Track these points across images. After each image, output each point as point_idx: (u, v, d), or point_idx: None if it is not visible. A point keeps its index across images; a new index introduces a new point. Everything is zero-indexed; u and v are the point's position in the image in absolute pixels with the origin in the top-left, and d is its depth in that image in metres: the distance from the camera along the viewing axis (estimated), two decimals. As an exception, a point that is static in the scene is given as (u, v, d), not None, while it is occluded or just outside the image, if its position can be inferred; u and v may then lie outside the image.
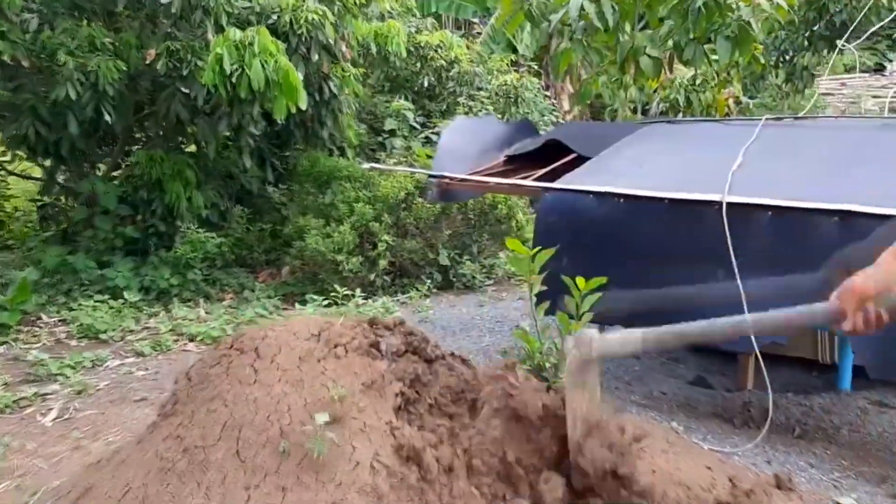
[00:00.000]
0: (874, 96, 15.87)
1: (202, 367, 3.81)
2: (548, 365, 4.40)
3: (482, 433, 3.60)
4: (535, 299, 4.40)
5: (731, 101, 13.83)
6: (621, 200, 5.44)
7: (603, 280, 4.18)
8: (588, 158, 6.32)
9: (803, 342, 6.38)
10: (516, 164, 7.06)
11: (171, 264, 9.62)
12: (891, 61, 18.41)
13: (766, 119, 6.52)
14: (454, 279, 10.35)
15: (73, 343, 7.66)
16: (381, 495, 3.18)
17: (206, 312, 8.86)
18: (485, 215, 10.52)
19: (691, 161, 5.88)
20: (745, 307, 4.70)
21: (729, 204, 4.99)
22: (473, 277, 10.36)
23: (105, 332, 7.88)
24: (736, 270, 4.85)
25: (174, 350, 7.60)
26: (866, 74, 17.54)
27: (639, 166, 5.90)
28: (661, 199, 5.26)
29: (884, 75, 17.49)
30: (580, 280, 4.15)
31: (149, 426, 3.87)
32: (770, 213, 4.93)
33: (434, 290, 9.97)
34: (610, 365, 6.31)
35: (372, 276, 9.74)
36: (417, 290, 9.83)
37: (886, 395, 5.81)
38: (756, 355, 5.25)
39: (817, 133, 6.38)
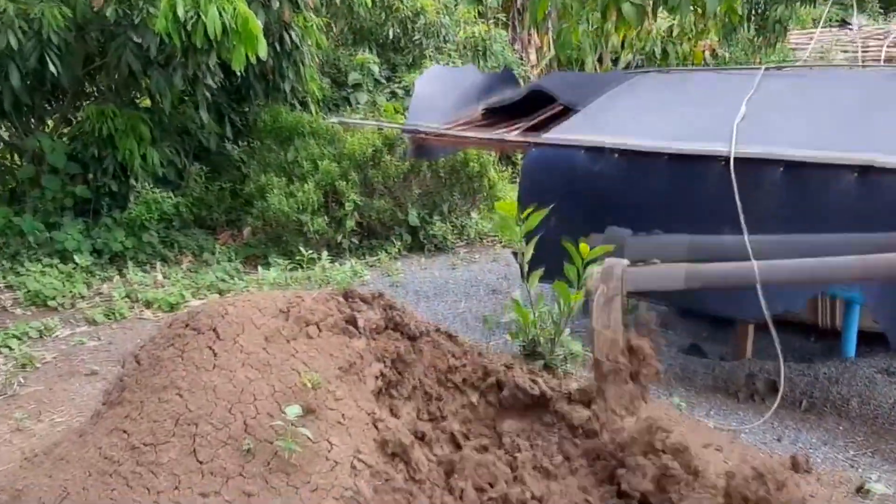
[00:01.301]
0: (843, 50, 15.55)
1: (153, 348, 3.32)
2: (543, 340, 3.96)
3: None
4: (526, 267, 3.95)
5: (707, 52, 13.40)
6: (616, 155, 4.98)
7: (609, 248, 3.71)
8: (575, 111, 5.83)
9: (802, 306, 6.00)
10: (495, 117, 6.55)
11: (125, 226, 9.08)
12: (852, 15, 18.11)
13: (766, 68, 6.06)
14: (424, 240, 9.87)
15: (19, 311, 7.14)
16: (364, 501, 2.72)
17: (164, 277, 8.34)
18: (456, 173, 10.01)
19: (690, 113, 5.41)
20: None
21: (737, 158, 4.56)
22: (444, 238, 9.87)
23: (54, 298, 7.38)
24: (744, 231, 4.41)
25: (129, 318, 7.12)
26: (834, 28, 17.24)
27: (634, 119, 5.43)
28: (661, 154, 4.82)
29: (850, 29, 17.18)
30: (583, 245, 3.69)
31: (92, 415, 3.38)
32: (782, 168, 4.51)
33: (404, 252, 9.50)
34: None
35: (339, 238, 9.24)
36: (386, 251, 9.35)
37: (893, 362, 5.43)
38: (755, 323, 4.81)
39: (823, 82, 5.93)
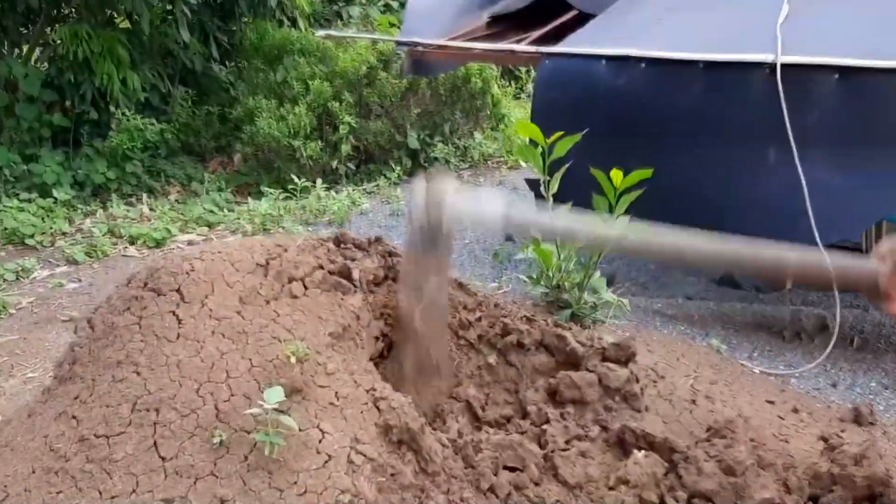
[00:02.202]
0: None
1: (108, 311, 2.77)
2: (568, 285, 3.41)
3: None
4: (551, 199, 3.37)
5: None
6: (643, 65, 4.35)
7: (647, 173, 3.13)
8: (592, 17, 5.16)
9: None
10: (502, 26, 5.88)
11: (108, 156, 8.65)
12: None
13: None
14: (425, 164, 9.28)
15: (-5, 251, 6.64)
16: (366, 504, 2.20)
17: (150, 210, 7.90)
18: (457, 91, 9.37)
19: (725, 13, 4.72)
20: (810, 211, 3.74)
21: (784, 65, 3.94)
22: (447, 161, 9.28)
23: (32, 236, 6.91)
24: (794, 150, 3.84)
25: (112, 256, 6.65)
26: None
27: (661, 22, 4.76)
28: (696, 63, 4.19)
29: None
30: (615, 173, 3.10)
31: (42, 391, 2.86)
32: (836, 74, 3.90)
33: (404, 178, 8.91)
34: (620, 264, 5.34)
35: (334, 164, 8.67)
36: (385, 177, 8.78)
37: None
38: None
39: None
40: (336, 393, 2.43)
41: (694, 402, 3.14)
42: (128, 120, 8.69)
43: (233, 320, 2.57)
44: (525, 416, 2.87)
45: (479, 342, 3.06)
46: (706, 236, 2.28)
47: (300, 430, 2.28)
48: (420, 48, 5.53)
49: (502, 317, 3.10)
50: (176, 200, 8.26)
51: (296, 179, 7.88)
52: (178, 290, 2.65)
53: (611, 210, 3.19)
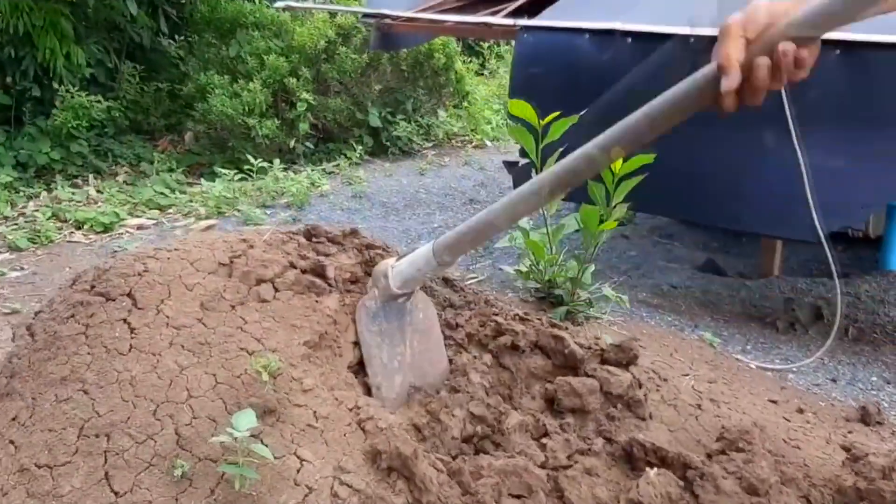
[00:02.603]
0: None
1: (51, 317, 2.43)
2: (561, 279, 3.13)
3: None
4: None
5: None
6: (630, 40, 4.07)
7: (648, 158, 2.85)
8: (570, -13, 4.87)
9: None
10: (473, -4, 5.57)
11: (52, 135, 8.29)
12: None
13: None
14: (387, 143, 8.96)
15: (-70, 238, 6.25)
16: (353, 545, 1.90)
17: (97, 191, 7.56)
18: (419, 66, 9.04)
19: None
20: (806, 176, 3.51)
21: (782, 41, 3.67)
22: (410, 140, 8.97)
23: (-29, 221, 6.50)
24: (793, 132, 3.58)
25: (57, 241, 6.28)
26: None
27: (648, -7, 4.48)
28: (688, 38, 3.91)
29: None
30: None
31: (-23, 409, 2.51)
32: (838, 50, 3.66)
33: (365, 157, 8.60)
34: (601, 253, 5.07)
35: (291, 143, 8.32)
36: (346, 156, 8.45)
37: (941, 276, 4.72)
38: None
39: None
40: (315, 413, 2.12)
41: (699, 406, 2.88)
42: (72, 97, 8.24)
43: (193, 329, 2.25)
44: (523, 428, 2.59)
45: (468, 343, 2.77)
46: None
47: (276, 459, 1.97)
48: (388, 21, 5.20)
49: (494, 315, 2.81)
50: (124, 182, 7.92)
51: (251, 159, 7.52)
52: (129, 295, 2.33)
53: (608, 197, 2.91)
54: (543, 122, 2.98)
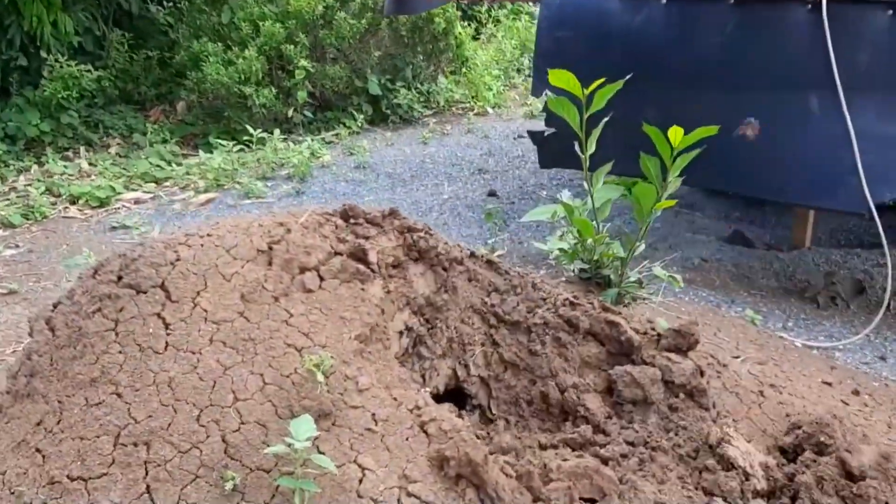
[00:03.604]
0: None
1: (73, 310, 2.22)
2: (608, 260, 2.94)
3: None
4: (587, 162, 2.88)
5: None
6: (665, 1, 3.86)
7: (712, 129, 2.66)
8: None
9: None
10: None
11: (40, 106, 7.95)
12: None
13: None
14: (388, 111, 8.72)
15: (-82, 215, 6.01)
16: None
17: (90, 164, 7.33)
18: (419, 31, 8.78)
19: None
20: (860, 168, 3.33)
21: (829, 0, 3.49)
22: (410, 108, 8.73)
23: (-40, 197, 6.28)
24: (841, 97, 3.41)
25: (51, 217, 6.07)
26: None
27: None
28: (725, -1, 3.72)
29: None
30: (675, 131, 2.62)
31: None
32: (890, 10, 3.46)
33: (365, 126, 8.37)
34: (620, 222, 4.87)
35: (289, 112, 8.07)
36: (345, 125, 8.23)
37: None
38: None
39: None
40: (373, 415, 1.94)
41: (762, 393, 2.72)
42: (61, 67, 7.96)
43: (235, 324, 2.06)
44: (576, 419, 2.43)
45: (515, 330, 2.59)
46: None
47: (336, 469, 1.79)
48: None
49: (542, 300, 2.63)
50: (117, 154, 7.68)
51: (250, 129, 7.28)
52: (162, 286, 2.13)
53: (664, 172, 2.72)
54: (588, 91, 2.78)
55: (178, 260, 2.18)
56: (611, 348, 2.59)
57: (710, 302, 3.93)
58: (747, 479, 2.22)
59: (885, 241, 3.54)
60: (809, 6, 3.55)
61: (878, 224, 3.49)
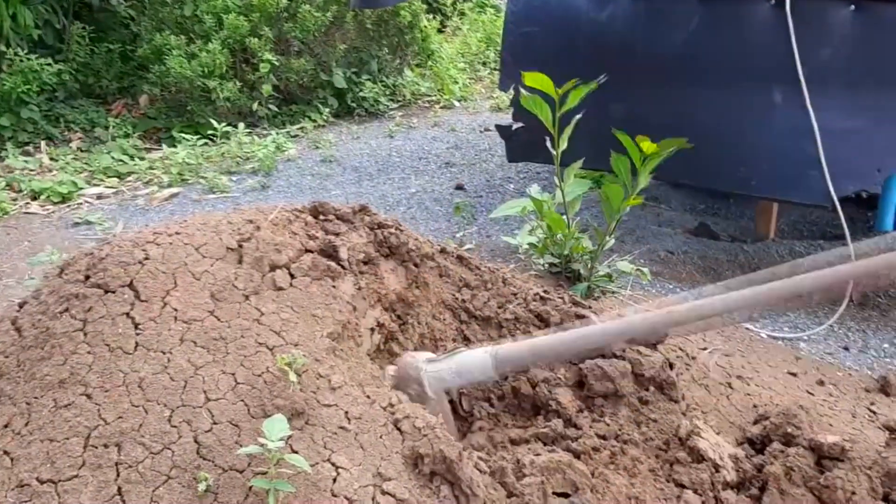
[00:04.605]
0: None
1: (39, 310, 2.19)
2: (578, 254, 2.96)
3: None
4: (558, 159, 2.90)
5: None
6: (631, -3, 3.89)
7: (681, 142, 2.68)
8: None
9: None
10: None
11: (0, 100, 7.76)
12: None
13: None
14: (353, 104, 8.68)
15: None
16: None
17: (51, 159, 7.19)
18: (384, 24, 8.74)
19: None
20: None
21: (794, -6, 3.54)
22: (376, 101, 8.69)
23: (-83, 194, 6.10)
24: (805, 91, 3.45)
25: (13, 213, 5.93)
26: None
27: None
28: (691, -6, 3.74)
29: None
30: (645, 141, 2.64)
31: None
32: (852, 5, 3.50)
33: (331, 119, 8.31)
34: (588, 215, 4.91)
35: (254, 105, 7.98)
36: (311, 119, 8.17)
37: (936, 236, 4.63)
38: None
39: None
40: (346, 413, 1.94)
41: (730, 385, 2.76)
42: (21, 60, 7.81)
43: (205, 323, 2.04)
44: (548, 413, 2.44)
45: (486, 326, 2.60)
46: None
47: (310, 468, 1.78)
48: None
49: (513, 295, 2.64)
50: (79, 148, 7.55)
51: (214, 123, 7.21)
52: (130, 286, 2.11)
53: (634, 171, 2.74)
54: (561, 91, 2.79)
55: (146, 258, 2.16)
56: (581, 342, 2.60)
57: (678, 294, 3.96)
58: (717, 471, 2.25)
59: (847, 233, 3.59)
60: (773, 1, 3.58)
61: (841, 216, 3.54)
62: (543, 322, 2.57)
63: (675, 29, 3.81)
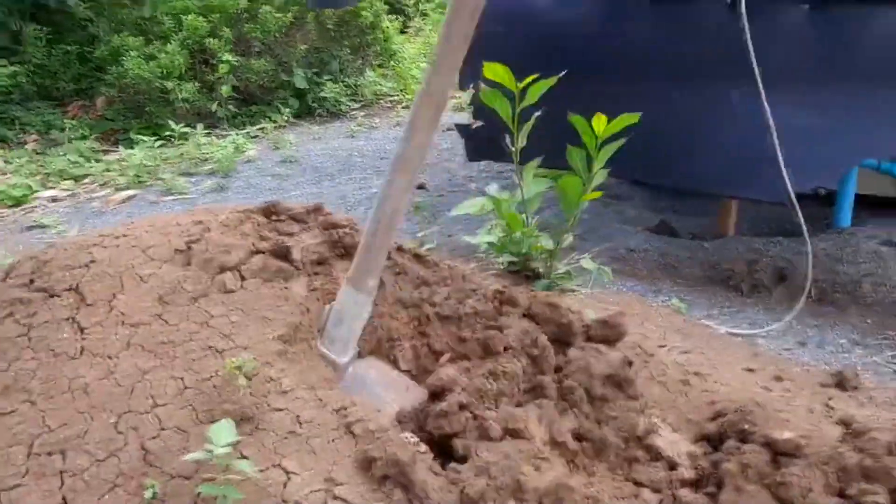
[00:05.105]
0: None
1: (-17, 316, 2.13)
2: (537, 253, 2.94)
3: None
4: (517, 156, 2.88)
5: None
6: (590, -3, 3.88)
7: (634, 117, 2.67)
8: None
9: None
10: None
11: None
12: None
13: None
14: (314, 104, 8.63)
15: None
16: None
17: (5, 162, 7.07)
18: (345, 25, 8.71)
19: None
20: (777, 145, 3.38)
21: (748, -6, 3.54)
22: (337, 101, 8.65)
23: None
24: (761, 89, 3.45)
25: (-34, 221, 5.76)
26: None
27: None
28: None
29: None
30: (598, 119, 2.63)
31: None
32: (807, 5, 3.52)
33: (291, 120, 8.26)
34: (550, 214, 4.89)
35: (213, 106, 7.91)
36: (271, 119, 8.12)
37: (893, 231, 4.66)
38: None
39: None
40: (297, 417, 1.90)
41: (687, 381, 2.75)
42: (-24, 63, 7.72)
43: (152, 327, 2.00)
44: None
45: (445, 322, 2.56)
46: None
47: (258, 474, 1.74)
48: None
49: (472, 290, 2.62)
50: (34, 151, 7.44)
51: (172, 124, 7.13)
52: (75, 290, 2.06)
53: (589, 163, 2.72)
54: (521, 86, 2.77)
55: (92, 262, 2.11)
56: (546, 331, 2.57)
57: (638, 292, 3.96)
58: (674, 469, 2.24)
59: (805, 230, 3.60)
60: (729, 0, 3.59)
61: (799, 213, 3.55)
62: (505, 315, 2.55)
63: (632, 26, 3.81)
